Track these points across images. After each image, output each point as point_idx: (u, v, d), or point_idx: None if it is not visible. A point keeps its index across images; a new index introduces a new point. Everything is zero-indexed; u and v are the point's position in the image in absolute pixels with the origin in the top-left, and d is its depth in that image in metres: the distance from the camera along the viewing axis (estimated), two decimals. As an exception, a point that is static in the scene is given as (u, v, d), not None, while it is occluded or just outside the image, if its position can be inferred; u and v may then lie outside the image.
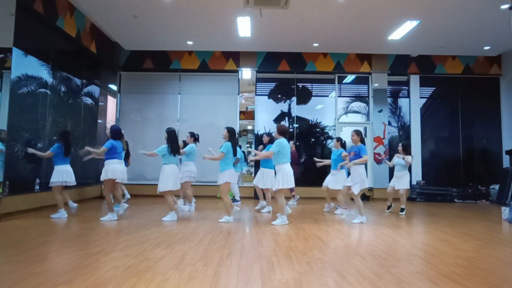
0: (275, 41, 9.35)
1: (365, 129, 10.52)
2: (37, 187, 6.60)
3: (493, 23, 7.85)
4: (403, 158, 6.83)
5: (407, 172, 7.02)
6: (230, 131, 5.72)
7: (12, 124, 5.96)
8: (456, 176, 10.30)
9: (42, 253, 3.49)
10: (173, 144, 5.69)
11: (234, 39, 9.14)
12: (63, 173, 5.87)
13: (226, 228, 4.98)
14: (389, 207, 7.13)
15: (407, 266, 3.22)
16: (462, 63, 10.35)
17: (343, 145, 7.10)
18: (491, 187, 9.55)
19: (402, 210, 6.77)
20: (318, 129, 10.54)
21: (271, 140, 6.65)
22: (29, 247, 3.72)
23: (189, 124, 10.16)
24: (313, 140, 10.46)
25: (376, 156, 9.94)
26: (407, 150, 6.99)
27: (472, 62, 10.35)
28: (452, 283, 2.75)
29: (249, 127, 10.18)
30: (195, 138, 6.90)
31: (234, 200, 7.99)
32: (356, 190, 5.64)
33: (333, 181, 6.88)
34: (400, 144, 7.20)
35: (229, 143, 5.57)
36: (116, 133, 5.87)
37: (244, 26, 8.20)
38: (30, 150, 6.00)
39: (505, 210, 6.25)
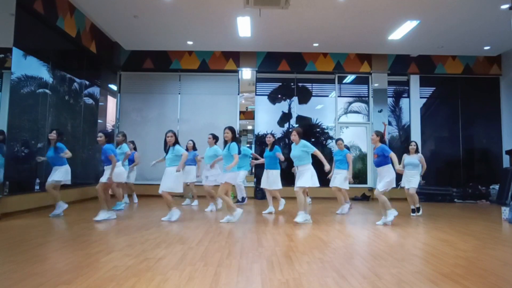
0: (275, 41, 9.35)
1: (366, 129, 10.52)
2: (37, 187, 6.60)
3: (493, 23, 7.85)
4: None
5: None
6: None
7: (12, 124, 5.96)
8: (456, 176, 10.30)
9: (42, 253, 3.49)
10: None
11: (234, 39, 9.14)
12: None
13: (226, 228, 4.97)
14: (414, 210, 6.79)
15: (407, 266, 3.22)
16: (462, 63, 10.35)
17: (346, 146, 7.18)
18: (491, 187, 9.54)
19: (418, 209, 6.73)
20: (318, 129, 10.55)
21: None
22: (29, 247, 3.72)
23: (189, 124, 10.17)
24: (313, 140, 10.46)
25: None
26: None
27: (472, 62, 10.35)
28: (452, 283, 2.75)
29: (249, 127, 10.18)
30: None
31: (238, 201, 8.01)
32: (381, 188, 5.50)
33: (342, 180, 6.78)
34: (414, 143, 6.87)
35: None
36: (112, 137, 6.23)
37: (244, 26, 8.20)
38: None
39: (505, 210, 6.24)
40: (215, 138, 6.84)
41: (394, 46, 9.51)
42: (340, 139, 7.22)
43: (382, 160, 5.58)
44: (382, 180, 5.56)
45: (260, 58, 10.22)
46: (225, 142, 5.58)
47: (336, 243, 4.17)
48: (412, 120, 10.32)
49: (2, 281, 2.66)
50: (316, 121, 10.58)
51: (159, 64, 10.17)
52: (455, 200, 9.51)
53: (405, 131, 10.52)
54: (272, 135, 6.94)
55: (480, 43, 9.36)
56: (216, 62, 10.19)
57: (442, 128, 10.80)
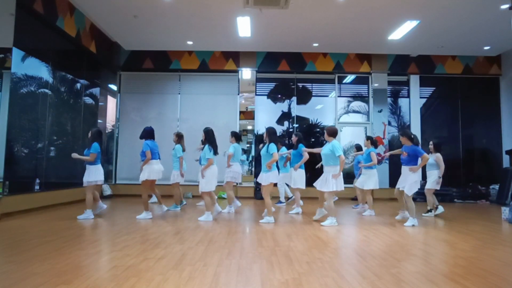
0: (275, 41, 9.35)
1: (365, 129, 10.52)
2: (37, 187, 6.60)
3: (493, 23, 7.85)
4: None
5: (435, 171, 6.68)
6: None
7: (12, 124, 5.96)
8: (456, 176, 10.30)
9: (42, 253, 3.49)
10: (213, 144, 5.72)
11: (234, 39, 9.14)
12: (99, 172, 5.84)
13: (226, 228, 4.98)
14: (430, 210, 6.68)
15: (407, 266, 3.22)
16: (462, 63, 10.35)
17: (373, 143, 7.16)
18: (491, 187, 9.54)
19: (431, 211, 6.62)
20: (318, 129, 10.55)
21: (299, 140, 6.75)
22: (29, 247, 3.72)
23: (189, 124, 10.17)
24: (313, 140, 10.46)
25: (377, 156, 9.92)
26: (438, 148, 6.70)
27: (472, 62, 10.35)
28: (452, 283, 2.75)
29: (249, 127, 10.19)
30: (237, 137, 6.88)
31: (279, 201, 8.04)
32: (410, 192, 5.51)
33: (367, 180, 6.77)
34: (431, 142, 6.82)
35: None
36: (150, 133, 6.10)
37: (244, 26, 8.20)
38: (74, 155, 5.83)
39: (505, 210, 6.25)
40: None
41: (394, 46, 9.51)
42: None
43: (411, 159, 5.70)
44: (407, 180, 5.58)
45: (260, 58, 10.22)
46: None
47: (336, 243, 4.17)
48: (412, 120, 10.32)
49: (2, 281, 2.66)
50: (316, 121, 10.58)
51: (159, 64, 10.17)
52: (455, 200, 9.50)
53: (405, 131, 10.51)
54: (296, 134, 6.94)
55: (480, 43, 9.36)
56: (216, 62, 10.19)
57: (442, 128, 10.79)
